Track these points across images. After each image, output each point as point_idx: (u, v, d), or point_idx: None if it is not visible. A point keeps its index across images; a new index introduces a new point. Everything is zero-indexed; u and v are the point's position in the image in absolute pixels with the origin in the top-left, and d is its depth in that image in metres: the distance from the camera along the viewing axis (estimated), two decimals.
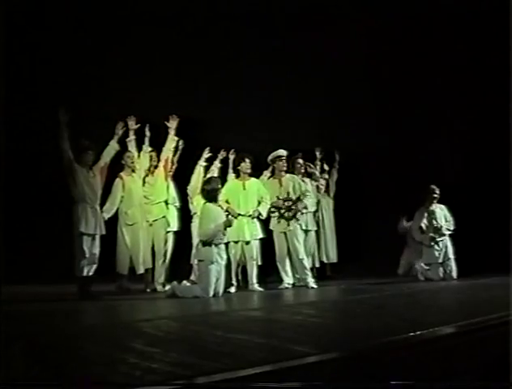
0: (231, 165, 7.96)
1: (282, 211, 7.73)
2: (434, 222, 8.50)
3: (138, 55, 9.49)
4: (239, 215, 7.49)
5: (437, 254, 8.42)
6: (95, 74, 9.34)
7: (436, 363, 3.40)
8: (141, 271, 7.76)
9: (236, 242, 7.55)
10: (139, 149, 7.93)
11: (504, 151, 7.47)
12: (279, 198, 7.77)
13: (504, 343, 3.64)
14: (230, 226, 6.89)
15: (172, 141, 7.97)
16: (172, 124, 7.95)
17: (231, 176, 8.01)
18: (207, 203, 6.98)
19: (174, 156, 8.08)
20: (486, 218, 8.87)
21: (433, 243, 8.45)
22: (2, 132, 6.28)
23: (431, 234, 8.47)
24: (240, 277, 7.88)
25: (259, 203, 7.63)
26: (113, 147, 7.27)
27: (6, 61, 6.46)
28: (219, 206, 7.07)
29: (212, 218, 6.85)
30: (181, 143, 8.10)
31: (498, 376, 3.44)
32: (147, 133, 7.94)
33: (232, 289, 7.41)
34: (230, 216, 7.14)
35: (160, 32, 9.44)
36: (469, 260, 8.35)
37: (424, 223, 8.53)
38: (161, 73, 9.49)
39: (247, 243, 7.58)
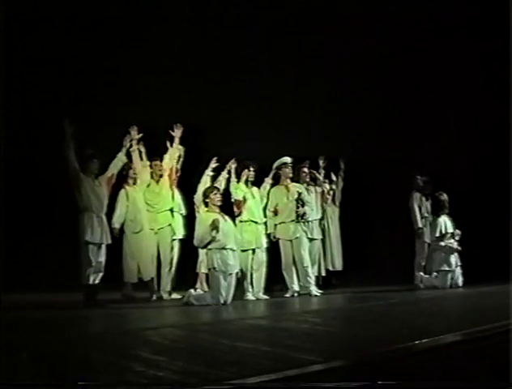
0: (233, 174, 7.93)
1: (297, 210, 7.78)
2: (451, 229, 8.50)
3: (141, 63, 9.52)
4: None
5: (451, 260, 8.40)
6: (97, 83, 9.37)
7: (441, 371, 3.40)
8: (148, 278, 7.79)
9: (253, 250, 7.63)
10: (142, 159, 7.95)
11: (507, 160, 7.48)
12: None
13: (508, 350, 3.64)
14: (216, 228, 6.89)
15: (176, 150, 7.98)
16: (177, 133, 7.96)
17: (234, 184, 7.96)
18: (202, 213, 7.14)
19: (177, 163, 8.10)
20: (491, 226, 8.85)
21: (448, 250, 8.44)
22: (3, 140, 6.32)
23: (447, 241, 8.46)
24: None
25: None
26: (120, 159, 7.32)
27: (8, 69, 6.50)
28: (218, 212, 7.09)
29: (205, 224, 6.92)
30: (182, 150, 8.11)
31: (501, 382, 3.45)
32: (142, 148, 7.89)
33: (250, 296, 7.48)
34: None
35: (164, 41, 9.47)
36: (474, 268, 8.33)
37: (443, 231, 8.51)
38: (164, 82, 9.50)
39: (267, 250, 7.74)
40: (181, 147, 8.02)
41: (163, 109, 9.20)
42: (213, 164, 8.13)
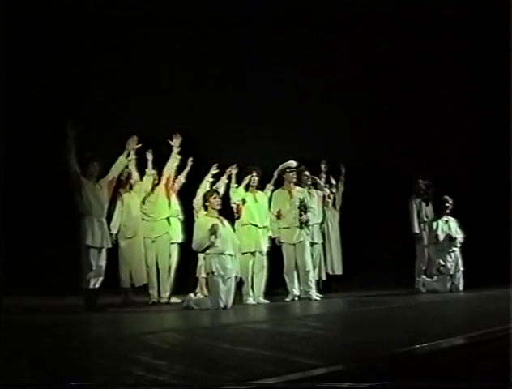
0: (233, 178, 7.92)
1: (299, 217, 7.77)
2: (448, 232, 8.48)
3: (143, 68, 9.53)
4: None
5: (448, 265, 8.38)
6: (99, 86, 9.38)
7: (441, 375, 3.40)
8: (140, 284, 7.80)
9: (253, 254, 7.62)
10: (139, 169, 7.93)
11: (507, 163, 7.46)
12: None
13: (509, 355, 3.63)
14: (215, 233, 6.88)
15: (174, 159, 7.97)
16: (176, 142, 7.94)
17: (233, 188, 7.95)
18: (201, 217, 7.13)
19: (181, 173, 8.12)
20: (492, 229, 8.84)
21: (445, 254, 8.43)
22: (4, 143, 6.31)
23: (446, 245, 8.45)
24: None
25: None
26: (121, 161, 7.30)
27: (9, 71, 6.50)
28: (217, 217, 7.08)
29: (204, 228, 6.91)
30: (190, 160, 8.12)
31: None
32: (149, 157, 7.93)
33: (250, 300, 7.49)
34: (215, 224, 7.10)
35: (165, 46, 9.49)
36: (475, 272, 8.32)
37: (438, 233, 8.50)
38: (165, 89, 9.51)
39: (268, 254, 7.72)
40: (179, 156, 8.01)
41: (164, 112, 9.22)
42: (213, 170, 8.11)
